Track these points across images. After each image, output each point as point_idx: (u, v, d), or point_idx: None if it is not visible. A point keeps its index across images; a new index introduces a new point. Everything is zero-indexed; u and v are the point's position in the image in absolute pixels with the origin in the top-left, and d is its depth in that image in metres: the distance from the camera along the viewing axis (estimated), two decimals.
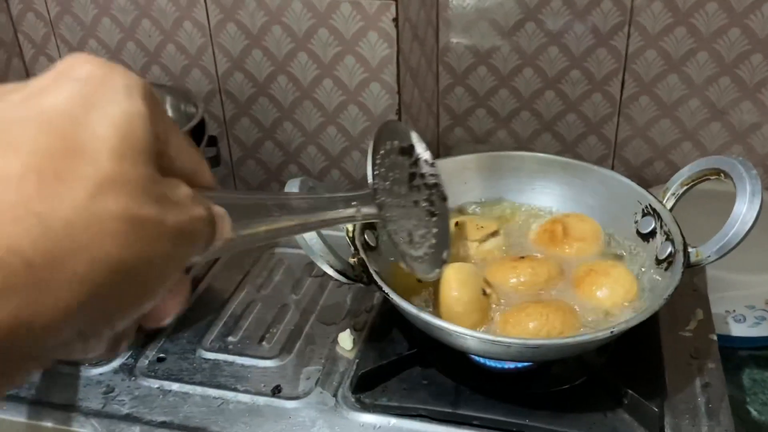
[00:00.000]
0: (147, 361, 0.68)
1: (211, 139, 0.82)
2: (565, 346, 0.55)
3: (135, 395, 0.64)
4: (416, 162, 0.60)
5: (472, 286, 0.59)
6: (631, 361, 0.62)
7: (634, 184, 0.68)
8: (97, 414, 0.62)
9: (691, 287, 0.73)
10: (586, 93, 0.98)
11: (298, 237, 0.59)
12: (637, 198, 0.67)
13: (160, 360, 0.68)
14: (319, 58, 0.90)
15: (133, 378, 0.66)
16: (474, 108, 1.03)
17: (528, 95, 1.00)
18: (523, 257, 0.66)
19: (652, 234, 0.65)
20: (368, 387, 0.62)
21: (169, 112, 0.84)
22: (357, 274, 0.61)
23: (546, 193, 0.73)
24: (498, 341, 0.55)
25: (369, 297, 0.75)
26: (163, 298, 0.27)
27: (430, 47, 0.99)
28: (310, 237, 0.59)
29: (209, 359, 0.68)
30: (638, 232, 0.67)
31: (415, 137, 0.60)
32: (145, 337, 0.71)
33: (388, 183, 0.54)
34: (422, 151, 0.61)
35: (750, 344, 0.82)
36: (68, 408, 0.63)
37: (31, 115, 0.23)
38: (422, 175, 0.60)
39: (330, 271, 0.61)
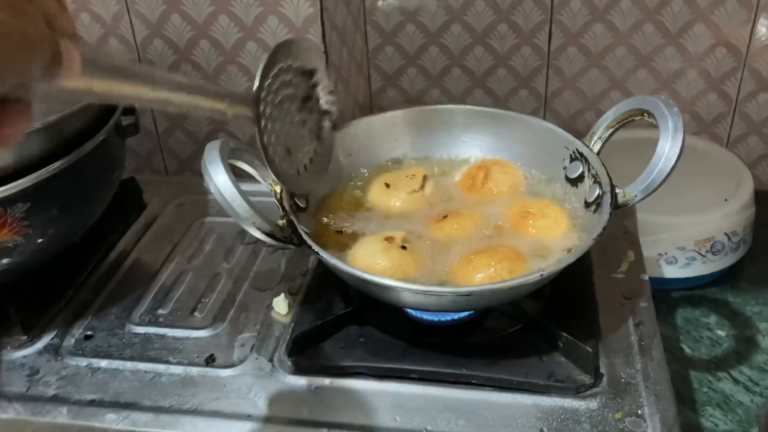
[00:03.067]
0: (74, 340, 0.65)
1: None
2: (495, 291, 0.54)
3: (62, 375, 0.61)
4: (314, 86, 0.60)
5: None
6: (565, 305, 0.63)
7: (561, 130, 0.68)
8: (21, 398, 0.59)
9: (622, 230, 0.74)
10: (515, 46, 0.97)
11: (221, 201, 0.57)
12: (565, 144, 0.67)
13: (87, 338, 0.65)
14: (240, 20, 0.87)
15: (60, 358, 0.63)
16: (405, 67, 1.02)
17: (458, 52, 0.99)
18: (446, 216, 0.65)
19: (581, 178, 0.65)
20: (304, 349, 0.60)
21: None
22: (286, 236, 0.60)
23: (476, 145, 0.73)
24: (430, 291, 0.54)
25: (304, 261, 0.73)
26: (7, 116, 0.30)
27: (356, 6, 0.96)
28: (234, 200, 0.57)
29: (139, 333, 0.65)
30: (567, 178, 0.67)
31: (321, 64, 0.61)
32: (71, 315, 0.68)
33: (278, 97, 0.55)
34: (323, 78, 0.61)
35: (682, 285, 0.84)
36: None
37: None
38: (317, 100, 0.61)
39: (257, 234, 0.59)
